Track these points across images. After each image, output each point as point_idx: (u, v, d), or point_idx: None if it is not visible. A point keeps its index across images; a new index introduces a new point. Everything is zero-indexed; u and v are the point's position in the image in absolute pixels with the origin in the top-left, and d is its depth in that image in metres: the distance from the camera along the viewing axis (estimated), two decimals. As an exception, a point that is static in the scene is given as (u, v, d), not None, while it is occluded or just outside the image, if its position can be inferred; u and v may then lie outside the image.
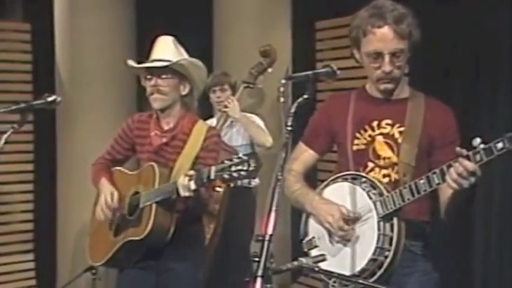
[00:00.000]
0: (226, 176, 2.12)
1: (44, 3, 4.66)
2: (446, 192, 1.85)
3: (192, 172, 2.25)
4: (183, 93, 2.49)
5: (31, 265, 4.62)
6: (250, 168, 2.07)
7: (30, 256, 4.63)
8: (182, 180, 2.25)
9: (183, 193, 2.25)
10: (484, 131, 2.16)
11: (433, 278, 2.00)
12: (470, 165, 1.68)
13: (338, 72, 1.86)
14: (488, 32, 3.47)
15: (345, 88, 3.13)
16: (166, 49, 2.50)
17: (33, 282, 4.61)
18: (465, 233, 3.50)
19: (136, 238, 2.39)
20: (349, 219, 1.88)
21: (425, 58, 3.23)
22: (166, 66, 2.45)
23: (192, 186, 2.22)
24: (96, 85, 4.49)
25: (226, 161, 2.13)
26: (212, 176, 2.18)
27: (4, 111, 2.29)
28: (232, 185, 2.12)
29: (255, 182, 3.67)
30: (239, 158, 2.10)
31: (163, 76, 2.45)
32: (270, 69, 3.73)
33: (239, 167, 2.09)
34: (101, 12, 4.56)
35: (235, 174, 2.10)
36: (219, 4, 4.54)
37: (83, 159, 4.37)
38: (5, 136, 2.17)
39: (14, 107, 2.29)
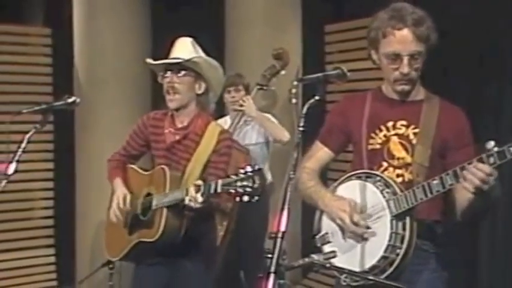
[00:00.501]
0: (231, 191, 2.12)
1: (63, 9, 4.70)
2: (462, 194, 1.82)
3: (200, 182, 2.24)
4: (199, 92, 2.47)
5: (52, 259, 4.64)
6: (255, 186, 2.07)
7: (51, 251, 4.65)
8: (190, 191, 2.24)
9: (191, 204, 2.25)
10: (489, 134, 2.14)
11: (443, 276, 1.98)
12: (486, 168, 1.66)
13: (348, 74, 1.84)
14: (493, 34, 3.44)
15: (353, 89, 3.12)
16: (183, 49, 2.49)
17: (53, 275, 4.63)
18: (471, 232, 3.47)
19: (149, 240, 2.39)
20: (360, 214, 1.87)
21: (428, 59, 3.20)
22: (180, 63, 2.43)
23: (199, 199, 2.22)
24: (112, 86, 4.50)
25: (232, 176, 2.12)
26: (219, 190, 2.17)
27: (27, 111, 2.30)
28: (238, 199, 2.13)
29: (268, 179, 3.65)
30: (245, 173, 2.09)
31: (179, 73, 2.44)
32: (282, 72, 3.70)
33: (244, 183, 2.08)
34: (117, 17, 4.58)
35: (240, 190, 2.09)
36: (231, 8, 4.53)
37: (100, 158, 4.36)
38: (27, 136, 2.18)
39: (36, 108, 2.31)
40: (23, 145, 2.17)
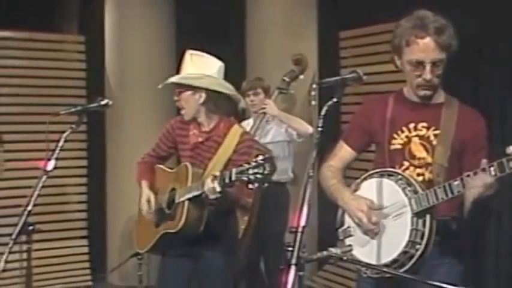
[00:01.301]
0: (244, 178, 2.13)
1: (96, 18, 4.73)
2: (468, 195, 1.79)
3: (217, 173, 2.24)
4: (200, 101, 2.47)
5: (85, 249, 4.66)
6: (266, 172, 2.08)
7: (85, 242, 4.68)
8: (208, 181, 2.25)
9: (209, 194, 2.25)
10: (494, 140, 2.11)
11: (459, 270, 1.95)
12: (488, 178, 1.67)
13: (364, 77, 1.82)
14: (499, 40, 3.37)
15: (367, 92, 3.09)
16: (184, 67, 2.54)
17: (87, 264, 4.65)
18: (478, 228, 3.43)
19: (172, 230, 2.41)
20: (377, 213, 1.85)
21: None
22: (174, 83, 2.50)
23: (217, 188, 2.22)
24: (141, 90, 4.53)
25: (245, 165, 2.13)
26: (233, 178, 2.17)
27: (64, 113, 2.31)
28: (251, 186, 2.12)
29: (289, 176, 3.63)
30: (256, 162, 2.10)
31: (179, 91, 2.49)
32: (301, 76, 3.68)
33: (256, 170, 2.09)
34: (145, 25, 4.61)
35: (252, 177, 2.10)
36: (252, 17, 4.54)
37: (129, 155, 4.40)
38: (64, 135, 2.19)
39: (72, 110, 2.31)
40: (60, 144, 2.18)
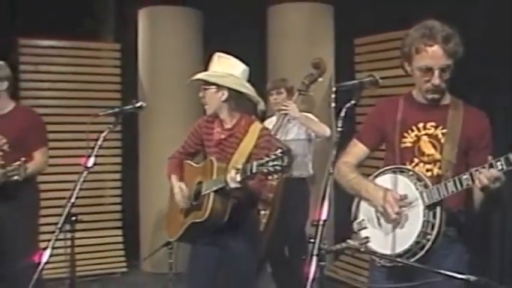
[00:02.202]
0: (265, 170, 2.13)
1: (130, 28, 4.78)
2: (478, 189, 1.80)
3: (239, 166, 2.25)
4: (223, 99, 2.48)
5: (120, 239, 4.70)
6: (284, 164, 2.08)
7: (119, 232, 4.71)
8: (231, 174, 2.26)
9: (231, 184, 2.26)
10: (499, 141, 2.09)
11: (466, 259, 1.94)
12: (495, 173, 1.67)
13: (380, 80, 1.81)
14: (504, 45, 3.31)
15: (380, 95, 3.05)
16: (211, 67, 2.55)
17: (121, 253, 4.69)
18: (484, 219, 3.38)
19: (199, 220, 2.41)
20: (401, 204, 1.85)
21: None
22: (200, 80, 2.50)
23: (238, 178, 2.23)
24: (170, 93, 4.55)
25: (265, 157, 2.14)
26: (254, 170, 2.18)
27: (103, 114, 2.34)
28: (271, 177, 2.11)
29: (309, 172, 3.61)
30: (275, 155, 2.10)
31: (204, 88, 2.50)
32: (320, 79, 3.65)
33: (275, 162, 2.09)
34: (175, 34, 4.63)
35: (271, 169, 2.11)
36: (272, 25, 4.54)
37: (159, 153, 4.42)
38: (103, 134, 2.21)
39: (110, 111, 2.34)
40: (99, 142, 2.20)
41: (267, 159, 2.12)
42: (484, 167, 1.69)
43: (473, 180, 1.71)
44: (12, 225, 2.86)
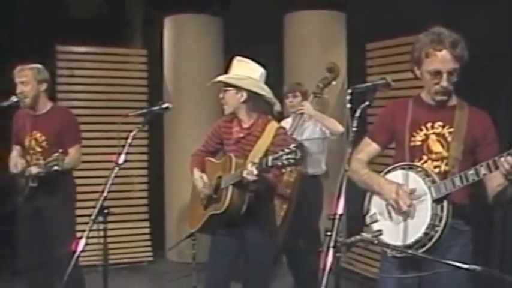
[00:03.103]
0: (279, 163, 2.15)
1: (157, 35, 4.80)
2: (494, 182, 1.82)
3: (256, 160, 2.27)
4: (242, 100, 2.49)
5: (147, 230, 4.73)
6: (297, 157, 2.10)
7: (146, 224, 4.74)
8: (248, 166, 2.27)
9: (248, 177, 2.26)
10: (503, 138, 2.07)
11: (470, 249, 1.95)
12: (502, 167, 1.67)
13: (392, 83, 1.81)
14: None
15: (390, 97, 3.00)
16: (231, 70, 2.55)
17: (148, 243, 4.72)
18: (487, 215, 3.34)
19: (218, 212, 2.43)
20: (412, 197, 1.85)
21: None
22: (221, 82, 2.49)
23: (255, 171, 2.23)
24: (193, 95, 4.57)
25: (280, 152, 2.15)
26: (269, 163, 2.19)
27: (132, 114, 2.35)
28: (284, 170, 2.12)
29: (322, 169, 3.59)
30: (289, 149, 2.12)
31: (224, 89, 2.50)
32: (334, 82, 3.63)
33: (289, 156, 2.11)
34: (198, 40, 4.65)
35: (285, 162, 2.12)
36: (289, 31, 4.54)
37: (183, 150, 4.44)
38: (132, 133, 2.23)
39: (139, 112, 2.36)
40: (129, 141, 2.22)
41: (281, 153, 2.14)
42: (488, 163, 1.70)
43: (489, 170, 1.70)
44: (52, 216, 2.90)
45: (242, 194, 2.39)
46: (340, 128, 3.44)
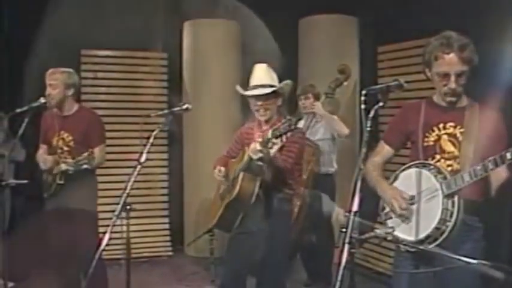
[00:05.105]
0: (277, 133, 2.20)
1: (176, 39, 4.81)
2: (496, 177, 1.85)
3: (260, 139, 2.30)
4: (279, 104, 2.55)
5: (166, 226, 4.75)
6: (292, 123, 2.16)
7: (166, 220, 4.76)
8: (251, 145, 2.31)
9: (253, 156, 2.29)
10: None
11: (482, 245, 1.93)
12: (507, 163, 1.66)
13: (405, 85, 1.79)
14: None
15: (402, 98, 2.97)
16: (264, 75, 2.54)
17: (168, 238, 4.74)
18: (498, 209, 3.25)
19: (230, 199, 2.46)
20: (408, 201, 1.88)
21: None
22: (271, 92, 2.50)
23: (258, 147, 2.26)
24: (211, 97, 4.57)
25: (277, 123, 2.21)
26: (270, 136, 2.23)
27: (155, 115, 2.37)
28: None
29: (334, 168, 3.58)
30: (285, 118, 2.20)
31: (268, 98, 2.51)
32: (345, 83, 3.62)
33: (285, 125, 2.18)
34: (216, 45, 4.63)
35: (282, 130, 2.18)
36: (303, 34, 4.53)
37: (201, 150, 4.49)
38: (154, 133, 2.24)
39: (160, 112, 2.37)
40: (151, 140, 2.23)
41: (279, 124, 2.19)
42: (495, 158, 1.69)
43: (496, 165, 1.70)
44: (77, 212, 2.93)
45: (252, 180, 2.42)
46: (346, 131, 3.44)
